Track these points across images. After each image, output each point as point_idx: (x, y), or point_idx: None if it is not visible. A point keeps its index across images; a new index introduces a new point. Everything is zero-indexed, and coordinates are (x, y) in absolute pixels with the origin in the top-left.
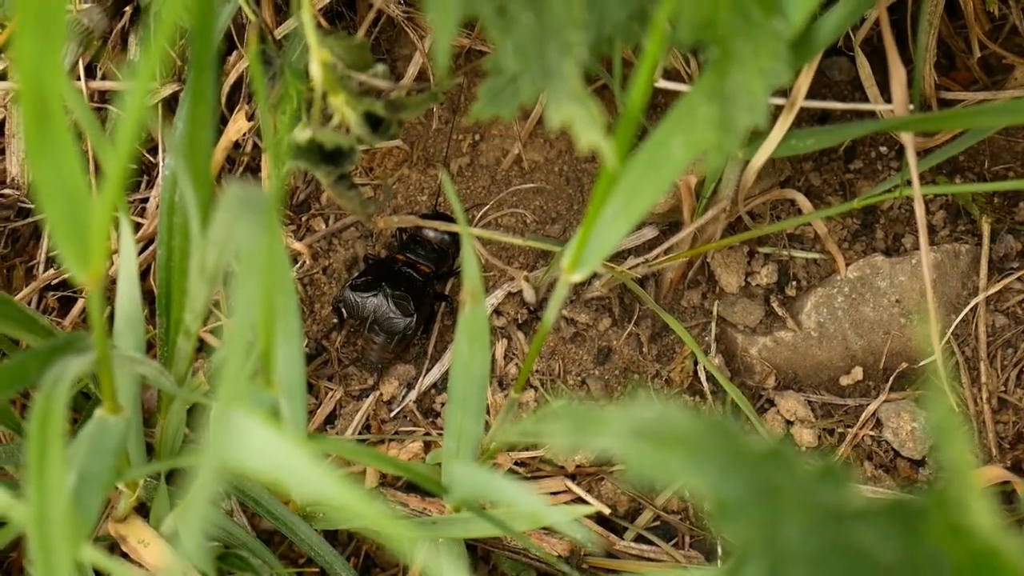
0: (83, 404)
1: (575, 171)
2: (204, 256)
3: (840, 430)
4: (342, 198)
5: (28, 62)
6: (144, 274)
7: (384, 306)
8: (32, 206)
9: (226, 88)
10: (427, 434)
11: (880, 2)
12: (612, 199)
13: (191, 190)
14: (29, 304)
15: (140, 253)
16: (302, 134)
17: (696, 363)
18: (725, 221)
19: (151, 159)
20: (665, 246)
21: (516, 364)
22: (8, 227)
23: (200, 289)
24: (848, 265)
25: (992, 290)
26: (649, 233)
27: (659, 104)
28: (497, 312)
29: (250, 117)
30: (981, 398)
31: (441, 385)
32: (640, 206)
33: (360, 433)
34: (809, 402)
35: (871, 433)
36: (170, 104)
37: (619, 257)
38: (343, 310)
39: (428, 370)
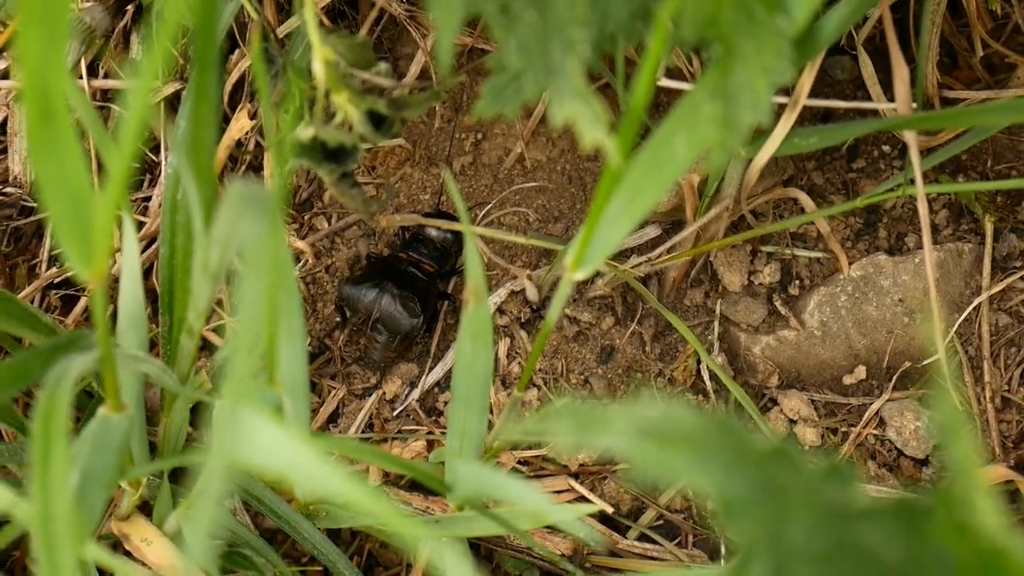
0: (86, 403)
1: (577, 170)
2: (207, 254)
3: (843, 429)
4: (345, 196)
5: (32, 60)
6: (147, 273)
7: (391, 306)
8: (34, 204)
9: (228, 87)
10: (430, 433)
11: (883, 1)
12: (615, 197)
13: (194, 188)
14: (32, 302)
15: (143, 252)
16: (305, 132)
17: (699, 362)
18: (728, 220)
19: (153, 158)
20: (668, 245)
21: (519, 363)
22: (10, 225)
23: (203, 287)
24: (851, 264)
25: (995, 289)
26: (652, 232)
27: (661, 103)
28: (500, 311)
29: (252, 116)
30: (984, 397)
31: (444, 384)
32: (643, 204)
33: (363, 432)
34: (812, 401)
35: (874, 432)
36: (172, 103)
37: (622, 256)
38: (345, 308)
39: (431, 369)
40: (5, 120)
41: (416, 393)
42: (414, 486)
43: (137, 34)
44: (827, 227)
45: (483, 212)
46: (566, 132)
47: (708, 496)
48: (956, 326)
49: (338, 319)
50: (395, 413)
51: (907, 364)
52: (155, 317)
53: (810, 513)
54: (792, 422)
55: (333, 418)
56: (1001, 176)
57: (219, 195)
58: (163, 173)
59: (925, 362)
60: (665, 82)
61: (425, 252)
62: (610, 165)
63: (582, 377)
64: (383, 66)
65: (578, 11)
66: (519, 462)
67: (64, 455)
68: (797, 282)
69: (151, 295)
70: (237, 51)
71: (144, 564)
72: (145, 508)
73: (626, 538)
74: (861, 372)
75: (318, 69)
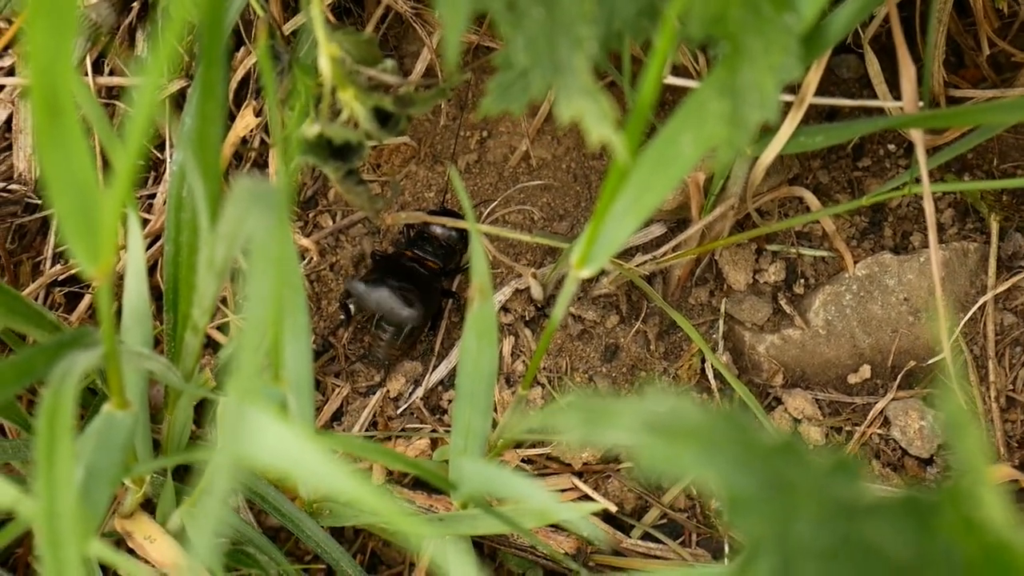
0: (90, 400)
1: (583, 168)
2: (213, 251)
3: (848, 428)
4: (350, 194)
5: (39, 56)
6: (151, 270)
7: (389, 299)
8: (39, 202)
9: (234, 84)
10: (434, 431)
11: None
12: (621, 195)
13: (200, 185)
14: (36, 299)
15: (147, 249)
16: (310, 129)
17: (704, 361)
18: (733, 218)
19: (158, 155)
20: (673, 243)
21: (523, 361)
22: (15, 222)
23: (208, 284)
24: (856, 263)
25: (1000, 288)
26: (657, 230)
27: (667, 101)
28: (504, 309)
29: (258, 113)
30: (989, 397)
31: (448, 382)
32: (649, 202)
33: (367, 430)
34: (817, 400)
35: (879, 431)
36: (178, 100)
37: (627, 254)
38: (350, 305)
39: (435, 367)
40: (10, 117)
41: (420, 391)
42: (418, 484)
43: (143, 31)
44: (832, 226)
45: (488, 210)
46: (571, 130)
47: (713, 493)
48: (961, 325)
49: (342, 317)
50: (399, 411)
51: (912, 363)
52: (159, 314)
53: (817, 509)
54: (796, 421)
55: (337, 416)
56: (1007, 175)
57: (224, 192)
58: (168, 170)
59: (930, 361)
60: (671, 80)
61: (430, 250)
62: (616, 162)
63: (586, 375)
64: (389, 63)
65: (585, 8)
66: (523, 460)
67: (69, 452)
68: (802, 281)
69: (155, 292)
70: (243, 48)
71: (147, 562)
72: (148, 506)
73: (630, 537)
74: (866, 371)
75: (324, 66)
